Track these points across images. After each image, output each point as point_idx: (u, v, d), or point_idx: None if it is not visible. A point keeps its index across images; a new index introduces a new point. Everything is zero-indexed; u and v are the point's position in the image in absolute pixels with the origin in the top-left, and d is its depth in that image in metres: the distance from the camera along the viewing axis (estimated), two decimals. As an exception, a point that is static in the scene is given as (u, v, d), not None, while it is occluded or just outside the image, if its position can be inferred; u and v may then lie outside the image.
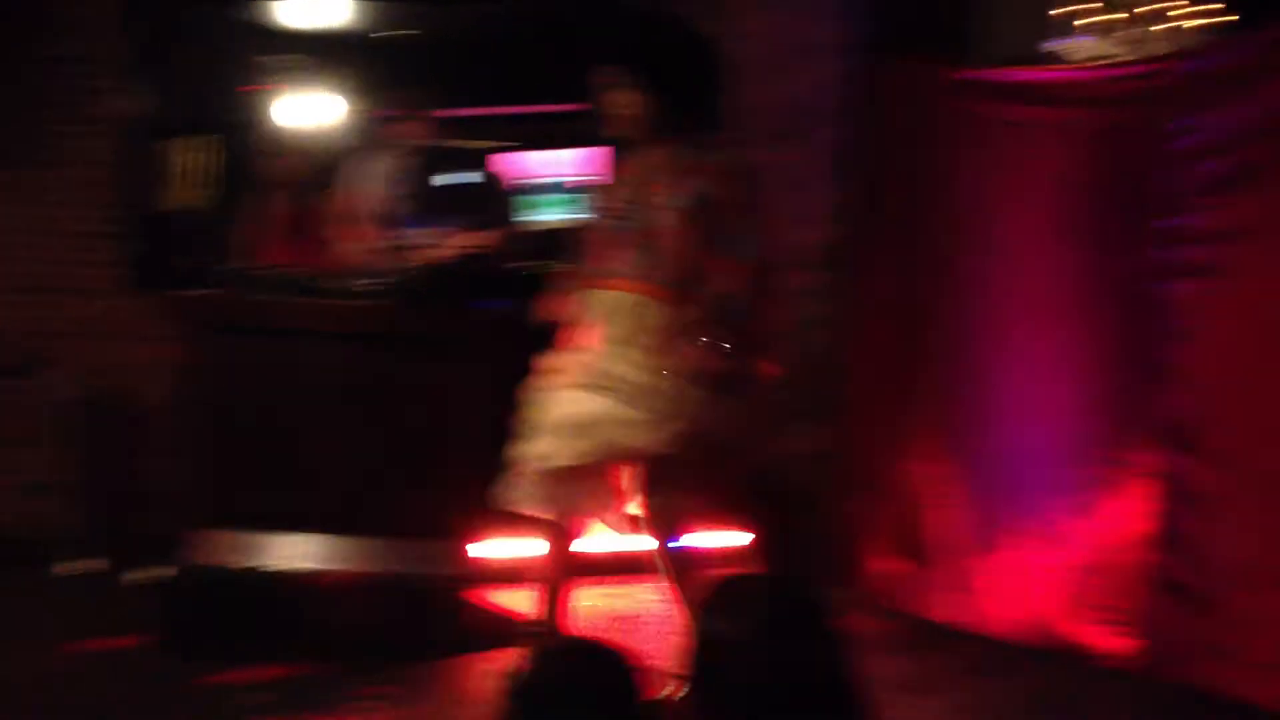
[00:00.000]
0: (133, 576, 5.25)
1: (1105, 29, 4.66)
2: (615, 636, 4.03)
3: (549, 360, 3.90)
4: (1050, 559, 4.36)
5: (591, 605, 4.41)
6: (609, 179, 4.07)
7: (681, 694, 1.96)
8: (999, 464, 4.52)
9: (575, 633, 3.93)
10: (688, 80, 4.00)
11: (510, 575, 4.71)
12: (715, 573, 2.13)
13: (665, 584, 3.87)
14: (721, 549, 4.94)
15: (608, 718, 1.89)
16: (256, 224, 5.89)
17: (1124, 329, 4.27)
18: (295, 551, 4.56)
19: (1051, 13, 4.85)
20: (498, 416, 4.02)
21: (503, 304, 4.55)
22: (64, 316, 5.74)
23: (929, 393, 4.74)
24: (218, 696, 4.06)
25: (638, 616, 4.43)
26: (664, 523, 3.79)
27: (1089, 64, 4.62)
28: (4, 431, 5.78)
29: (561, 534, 3.94)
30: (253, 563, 4.56)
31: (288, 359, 4.60)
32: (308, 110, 7.41)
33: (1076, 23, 4.76)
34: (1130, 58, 4.59)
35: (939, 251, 4.75)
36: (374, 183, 5.70)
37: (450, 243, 5.18)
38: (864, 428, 4.94)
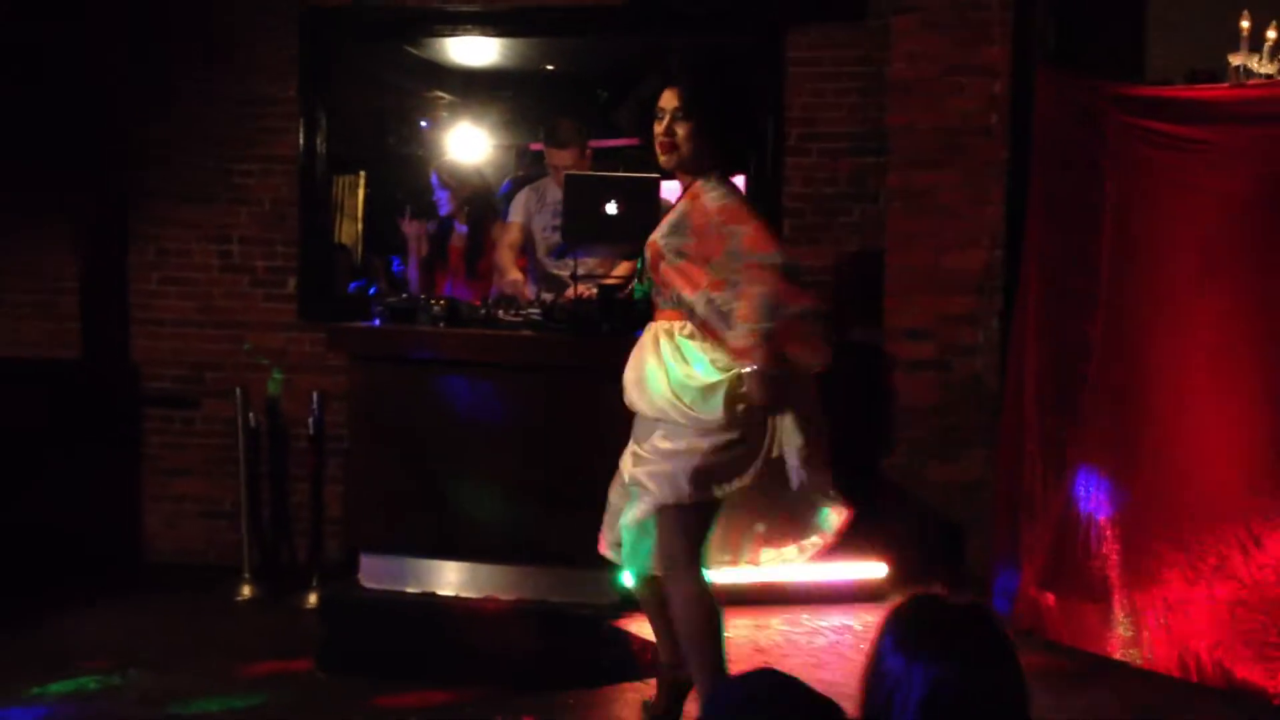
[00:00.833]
0: (303, 600, 5.40)
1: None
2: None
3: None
4: (1215, 594, 4.18)
5: (731, 637, 4.37)
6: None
7: None
8: (1161, 495, 4.35)
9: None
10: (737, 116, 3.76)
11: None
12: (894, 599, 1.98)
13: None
14: (853, 581, 4.85)
15: None
16: (424, 255, 6.04)
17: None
18: (456, 578, 4.65)
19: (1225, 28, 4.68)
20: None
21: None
22: (239, 349, 5.96)
23: (1088, 421, 4.59)
24: (385, 719, 4.15)
25: (778, 647, 4.38)
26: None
27: (1263, 82, 4.43)
28: (184, 460, 6.03)
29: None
30: (417, 589, 4.66)
31: (453, 389, 4.69)
32: (473, 144, 7.58)
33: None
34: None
35: (1101, 275, 4.60)
36: (538, 214, 5.78)
37: (613, 273, 5.23)
38: (1019, 455, 4.80)
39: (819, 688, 1.84)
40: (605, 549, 3.81)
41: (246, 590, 5.62)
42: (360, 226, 7.70)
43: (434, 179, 6.18)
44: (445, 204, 6.07)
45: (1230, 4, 4.45)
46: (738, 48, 5.68)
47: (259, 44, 5.94)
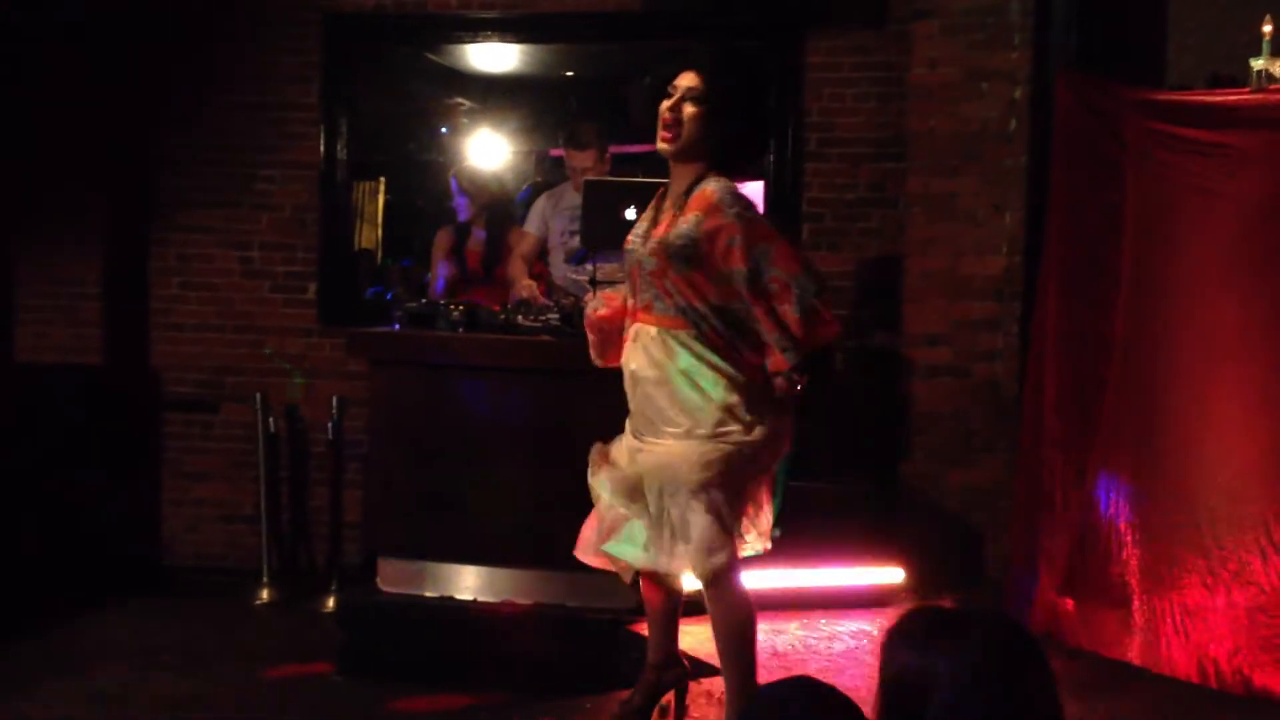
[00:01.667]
0: (322, 604, 5.41)
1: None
2: (783, 673, 3.99)
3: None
4: (1235, 600, 4.16)
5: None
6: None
7: None
8: (1181, 500, 4.33)
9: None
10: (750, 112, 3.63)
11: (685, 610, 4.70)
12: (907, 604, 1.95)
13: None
14: (870, 586, 4.84)
15: None
16: (442, 261, 6.06)
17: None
18: (474, 583, 4.66)
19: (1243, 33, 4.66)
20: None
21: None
22: (259, 354, 5.99)
23: (1107, 426, 4.57)
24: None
25: (797, 652, 4.37)
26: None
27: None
28: (204, 464, 6.05)
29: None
30: (435, 593, 4.67)
31: (472, 394, 4.71)
32: (492, 150, 7.59)
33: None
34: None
35: (1120, 280, 4.59)
36: (554, 218, 5.80)
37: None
38: (1038, 460, 4.79)
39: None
40: (588, 555, 3.72)
41: (265, 594, 5.65)
42: (380, 232, 7.72)
43: (453, 184, 6.20)
44: (464, 210, 6.09)
45: (1251, 8, 4.44)
46: (757, 53, 5.68)
47: (281, 50, 5.97)
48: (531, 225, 5.85)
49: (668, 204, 3.57)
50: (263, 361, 5.97)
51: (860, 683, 3.82)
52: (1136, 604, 4.40)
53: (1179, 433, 4.40)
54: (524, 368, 4.64)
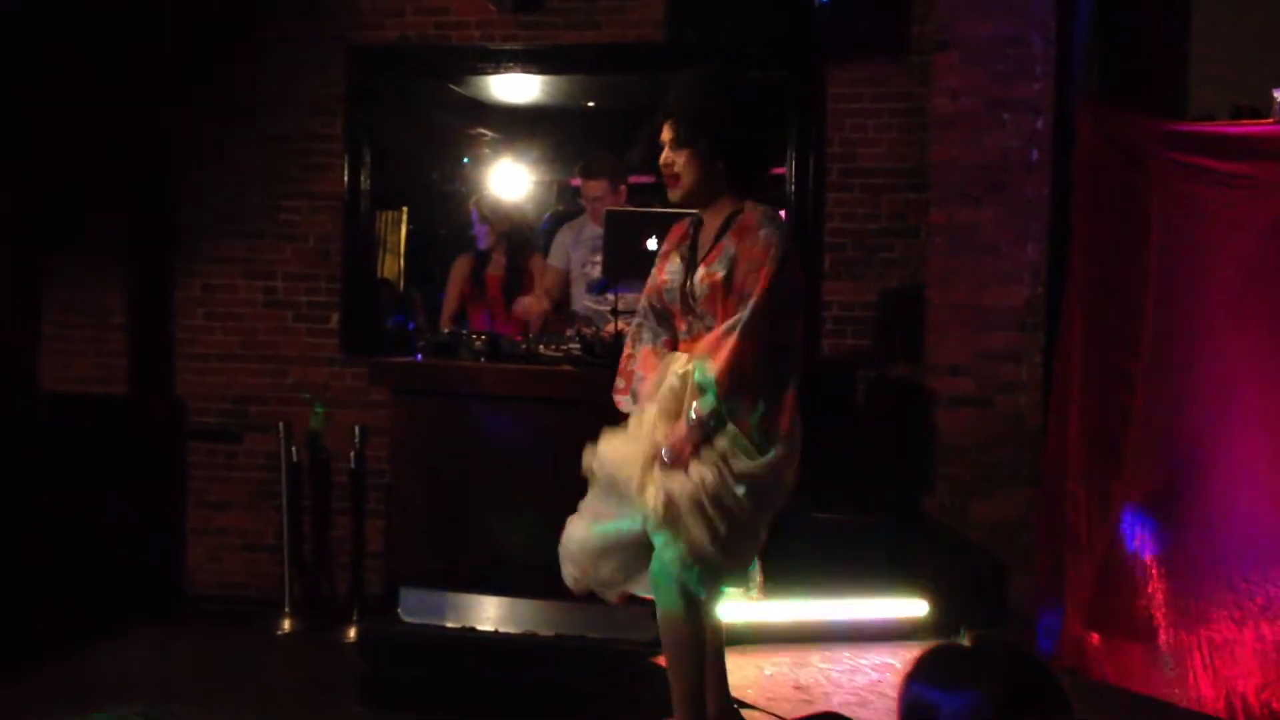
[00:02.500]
0: (344, 634, 5.41)
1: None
2: (804, 709, 3.97)
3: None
4: (1263, 634, 4.13)
5: (772, 674, 4.35)
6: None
7: None
8: (1207, 533, 4.30)
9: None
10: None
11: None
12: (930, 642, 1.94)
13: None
14: (894, 619, 4.81)
15: None
16: (464, 291, 6.08)
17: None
18: (496, 613, 4.65)
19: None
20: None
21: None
22: (283, 384, 6.01)
23: (1132, 458, 4.54)
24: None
25: (819, 685, 4.34)
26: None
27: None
28: (227, 494, 6.07)
29: None
30: (457, 623, 4.66)
31: (494, 423, 4.71)
32: (514, 179, 7.62)
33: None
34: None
35: (1144, 311, 4.57)
36: (574, 249, 5.82)
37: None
38: (1062, 492, 4.76)
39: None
40: (579, 583, 3.68)
41: (287, 624, 5.65)
42: (402, 262, 7.75)
43: (473, 214, 6.23)
44: (483, 238, 6.12)
45: (1272, 40, 4.44)
46: (778, 83, 5.70)
47: (305, 82, 6.01)
48: (555, 258, 5.90)
49: (704, 239, 3.56)
50: (286, 391, 5.99)
51: (884, 716, 3.80)
52: (1163, 638, 4.37)
53: (1204, 465, 4.37)
54: (546, 397, 4.64)
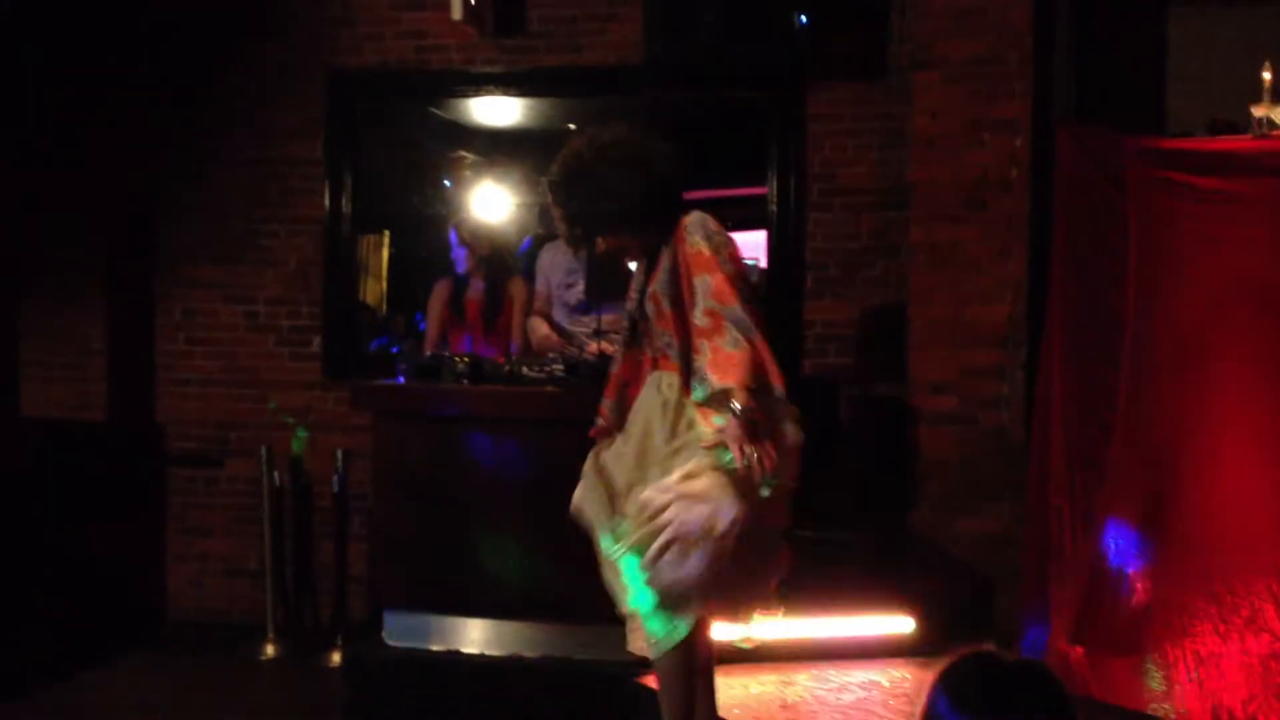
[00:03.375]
0: (327, 659, 5.38)
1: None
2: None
3: None
4: (1248, 647, 4.12)
5: (758, 693, 4.33)
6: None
7: None
8: (1191, 547, 4.30)
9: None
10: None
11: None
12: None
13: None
14: (880, 636, 4.80)
15: None
16: (447, 313, 6.07)
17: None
18: (481, 636, 4.62)
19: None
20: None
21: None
22: (264, 408, 5.99)
23: (1115, 473, 4.55)
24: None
25: (806, 704, 4.33)
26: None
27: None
28: (208, 519, 6.04)
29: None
30: (441, 646, 4.64)
31: (477, 445, 4.70)
32: (495, 202, 7.62)
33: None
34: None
35: (1125, 326, 4.59)
36: (551, 272, 5.82)
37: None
38: (1046, 508, 4.76)
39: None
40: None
41: (270, 649, 5.61)
42: (384, 285, 7.74)
43: (452, 236, 6.23)
44: (462, 262, 6.11)
45: (1250, 55, 4.47)
46: (758, 104, 5.72)
47: (285, 106, 6.02)
48: (537, 281, 5.89)
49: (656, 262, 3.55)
50: (267, 415, 5.97)
51: (871, 734, 3.79)
52: (1148, 652, 4.37)
53: (1186, 478, 4.38)
54: (529, 418, 4.64)
